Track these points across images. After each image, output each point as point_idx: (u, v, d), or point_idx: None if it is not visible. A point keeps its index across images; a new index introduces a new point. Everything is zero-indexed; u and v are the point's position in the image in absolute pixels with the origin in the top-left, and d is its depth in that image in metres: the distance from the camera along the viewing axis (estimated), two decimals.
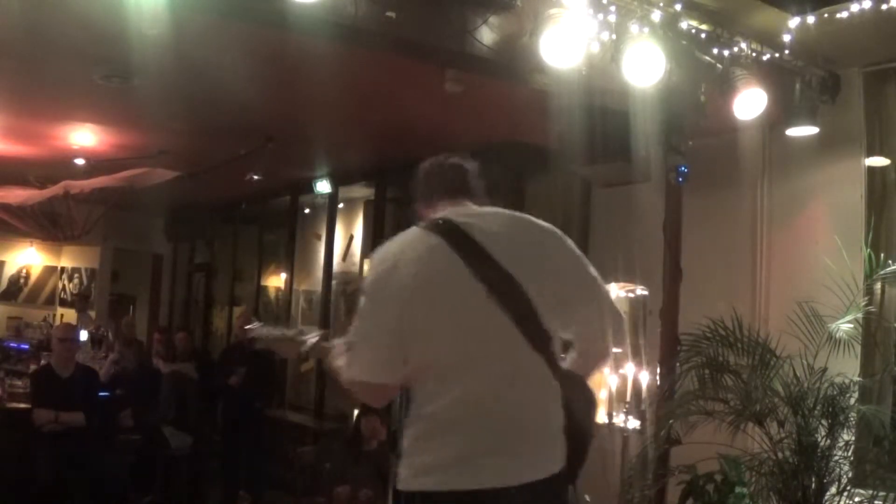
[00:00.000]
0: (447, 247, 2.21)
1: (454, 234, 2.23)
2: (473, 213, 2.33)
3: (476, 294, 2.17)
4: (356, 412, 6.01)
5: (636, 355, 5.98)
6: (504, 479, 2.12)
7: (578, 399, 2.29)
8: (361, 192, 8.55)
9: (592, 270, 2.40)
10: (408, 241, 2.29)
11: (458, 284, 2.18)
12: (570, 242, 2.38)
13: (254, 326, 2.79)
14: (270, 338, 2.75)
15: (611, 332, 2.37)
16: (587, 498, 4.82)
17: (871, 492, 3.85)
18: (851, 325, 4.15)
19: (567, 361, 2.34)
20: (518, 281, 2.20)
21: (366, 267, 2.31)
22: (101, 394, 6.73)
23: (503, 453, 2.14)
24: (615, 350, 2.50)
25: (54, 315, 11.41)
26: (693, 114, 4.44)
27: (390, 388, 2.28)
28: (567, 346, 2.39)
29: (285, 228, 9.63)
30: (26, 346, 9.24)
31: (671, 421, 4.24)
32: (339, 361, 2.35)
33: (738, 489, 3.95)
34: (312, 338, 2.65)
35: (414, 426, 2.20)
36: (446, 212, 2.33)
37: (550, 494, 2.20)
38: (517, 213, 2.39)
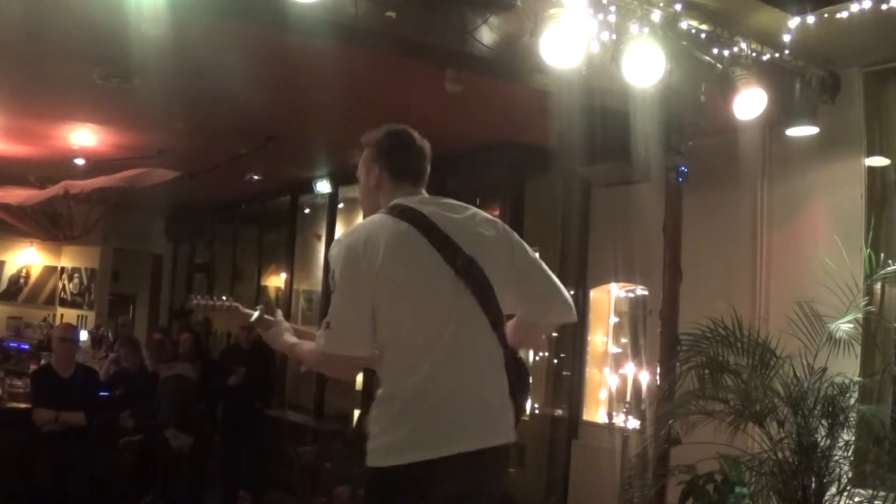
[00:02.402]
0: (417, 232, 2.37)
1: (421, 222, 2.39)
2: (432, 202, 2.49)
3: (445, 277, 2.35)
4: (357, 412, 6.01)
5: (636, 355, 6.01)
6: (470, 444, 2.32)
7: (515, 376, 2.49)
8: None
9: (536, 257, 2.58)
10: (376, 225, 2.42)
11: (429, 268, 2.35)
12: (513, 233, 2.57)
13: (191, 300, 2.78)
14: (209, 307, 2.74)
15: (553, 313, 2.59)
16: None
17: (871, 492, 3.85)
18: (851, 325, 4.15)
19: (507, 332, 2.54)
20: (480, 265, 2.39)
21: (332, 254, 2.44)
22: (101, 394, 6.73)
23: (469, 424, 2.34)
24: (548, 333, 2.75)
25: (54, 315, 11.42)
26: (693, 114, 4.44)
27: (362, 361, 2.43)
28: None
29: (285, 228, 9.63)
30: (26, 346, 9.23)
31: (671, 421, 4.24)
32: (319, 338, 2.44)
33: (738, 489, 3.95)
34: (257, 310, 2.71)
35: (387, 405, 2.36)
36: (406, 200, 2.47)
37: (504, 460, 2.46)
38: (464, 204, 2.55)
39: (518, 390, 2.48)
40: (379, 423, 2.36)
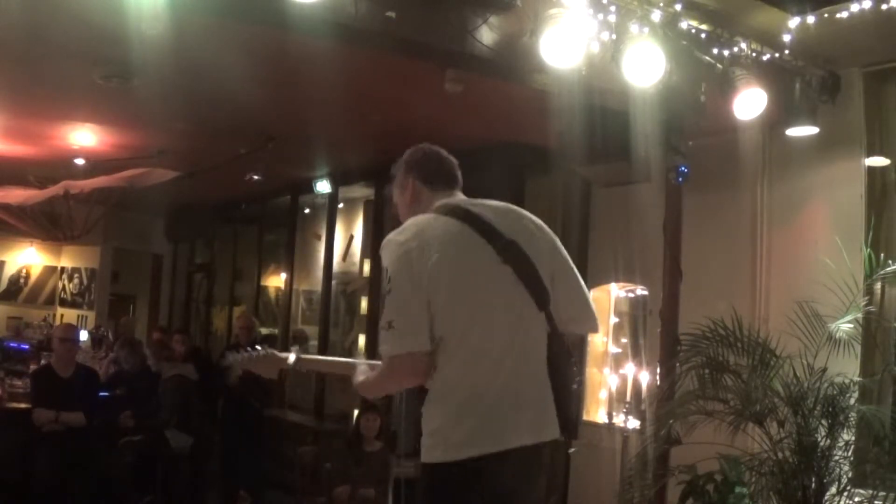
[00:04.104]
0: (467, 227, 2.42)
1: (469, 218, 2.45)
2: (475, 203, 2.54)
3: (494, 267, 2.40)
4: (356, 412, 6.01)
5: (636, 355, 6.01)
6: (526, 439, 2.37)
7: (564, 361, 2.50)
8: (361, 192, 8.54)
9: (573, 265, 2.63)
10: (427, 225, 2.45)
11: (480, 262, 2.40)
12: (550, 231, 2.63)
13: (225, 358, 2.77)
14: (246, 360, 2.73)
15: (584, 324, 2.66)
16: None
17: (871, 492, 3.85)
18: (851, 325, 4.15)
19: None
20: (533, 260, 2.44)
21: (385, 253, 2.40)
22: (101, 394, 6.73)
23: (525, 418, 2.38)
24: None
25: (54, 315, 11.42)
26: (693, 114, 4.44)
27: (429, 357, 2.36)
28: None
29: (285, 228, 9.63)
30: (26, 346, 9.24)
31: (671, 421, 4.24)
32: (383, 343, 2.41)
33: (738, 489, 3.95)
34: (293, 352, 2.67)
35: (442, 401, 2.37)
36: (449, 200, 2.54)
37: (551, 455, 2.49)
38: (505, 203, 2.61)
39: (554, 368, 2.45)
40: (434, 420, 2.37)
